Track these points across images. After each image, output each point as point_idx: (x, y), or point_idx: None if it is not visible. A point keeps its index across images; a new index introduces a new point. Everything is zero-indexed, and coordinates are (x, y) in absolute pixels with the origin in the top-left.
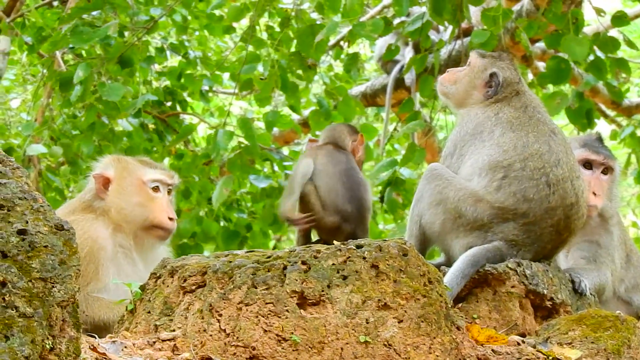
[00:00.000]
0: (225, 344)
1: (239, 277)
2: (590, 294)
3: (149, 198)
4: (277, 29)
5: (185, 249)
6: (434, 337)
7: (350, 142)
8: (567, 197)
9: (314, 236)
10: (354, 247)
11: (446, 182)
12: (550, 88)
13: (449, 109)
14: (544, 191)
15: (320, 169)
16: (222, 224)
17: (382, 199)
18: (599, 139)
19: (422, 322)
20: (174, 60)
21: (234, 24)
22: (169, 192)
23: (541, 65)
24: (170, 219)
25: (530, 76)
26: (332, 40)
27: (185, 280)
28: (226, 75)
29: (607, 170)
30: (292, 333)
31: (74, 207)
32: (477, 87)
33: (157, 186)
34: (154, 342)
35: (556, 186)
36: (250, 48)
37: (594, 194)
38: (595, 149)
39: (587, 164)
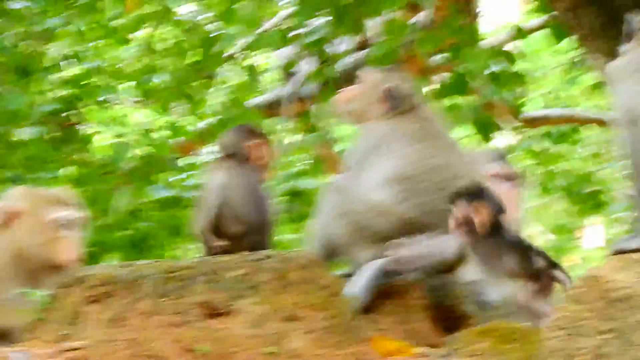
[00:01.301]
0: (132, 354)
1: (146, 287)
2: (496, 306)
3: (56, 237)
4: (173, 41)
5: (91, 258)
6: (341, 349)
7: (247, 149)
8: None
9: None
10: (261, 258)
11: (350, 194)
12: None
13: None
14: (443, 205)
15: (226, 182)
16: (123, 233)
17: (284, 210)
18: (502, 154)
19: (328, 333)
20: (71, 70)
21: (130, 35)
22: (78, 228)
23: (438, 78)
24: (77, 258)
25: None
26: (229, 52)
27: (92, 290)
28: (124, 85)
29: (516, 184)
30: (199, 343)
31: None
32: (374, 103)
33: (65, 224)
34: (62, 352)
35: None
36: (147, 60)
37: (515, 206)
38: (506, 164)
39: (501, 178)
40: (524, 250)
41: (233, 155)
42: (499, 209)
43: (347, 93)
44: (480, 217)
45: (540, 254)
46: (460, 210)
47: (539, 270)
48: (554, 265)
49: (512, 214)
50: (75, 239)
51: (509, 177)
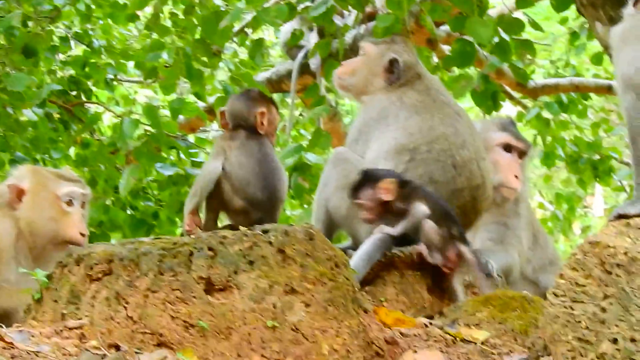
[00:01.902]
0: (132, 331)
1: (145, 264)
2: (498, 275)
3: (62, 213)
4: (181, 16)
5: (92, 239)
6: (342, 321)
7: (254, 117)
8: (473, 178)
9: (224, 220)
10: (260, 232)
11: (352, 166)
12: (456, 71)
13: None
14: (450, 173)
15: (234, 161)
16: (129, 212)
17: (288, 185)
18: (513, 122)
19: (330, 306)
20: (78, 50)
21: (138, 12)
22: (82, 204)
23: (446, 48)
24: (82, 234)
25: (435, 59)
26: (237, 27)
27: (91, 269)
28: (131, 64)
29: (523, 154)
30: (200, 319)
31: None
32: (377, 75)
33: (71, 200)
34: (61, 331)
35: (462, 168)
36: (155, 36)
37: (516, 177)
38: (516, 134)
39: (508, 148)
40: (444, 214)
41: (240, 126)
42: (395, 175)
43: (348, 65)
44: (386, 191)
45: (457, 224)
46: (366, 198)
47: (452, 236)
48: (465, 240)
49: (515, 184)
50: (79, 214)
51: (515, 148)
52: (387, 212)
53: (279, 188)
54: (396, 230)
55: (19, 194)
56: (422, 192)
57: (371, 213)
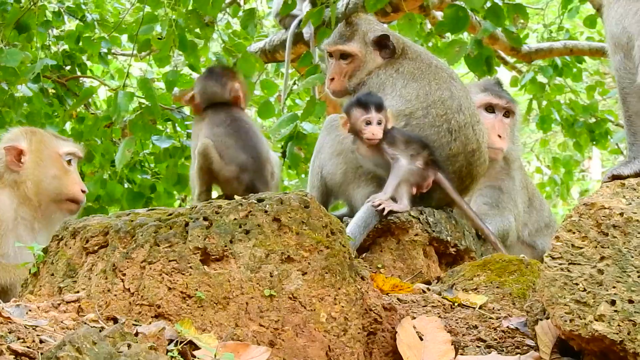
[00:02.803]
0: (130, 303)
1: (141, 235)
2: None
3: (65, 171)
4: None
5: (90, 212)
6: (339, 288)
7: (230, 92)
8: (468, 143)
9: (217, 192)
10: (255, 201)
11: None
12: (449, 36)
13: None
14: (445, 138)
15: (210, 133)
16: (126, 185)
17: (284, 154)
18: (499, 83)
19: (327, 273)
20: (71, 24)
21: None
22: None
23: (439, 14)
24: (83, 191)
25: (428, 25)
26: None
27: (87, 241)
28: (125, 37)
29: (508, 113)
30: (197, 290)
31: None
32: (373, 60)
33: (70, 159)
34: (59, 305)
35: (457, 133)
36: (148, 8)
37: (499, 136)
38: (497, 93)
39: (490, 108)
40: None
41: (214, 103)
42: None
43: (340, 74)
44: (390, 120)
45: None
46: (376, 117)
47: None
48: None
49: (499, 144)
50: (77, 173)
51: (497, 106)
52: (377, 149)
53: (260, 147)
54: (400, 204)
55: (18, 155)
56: (399, 133)
57: (377, 135)
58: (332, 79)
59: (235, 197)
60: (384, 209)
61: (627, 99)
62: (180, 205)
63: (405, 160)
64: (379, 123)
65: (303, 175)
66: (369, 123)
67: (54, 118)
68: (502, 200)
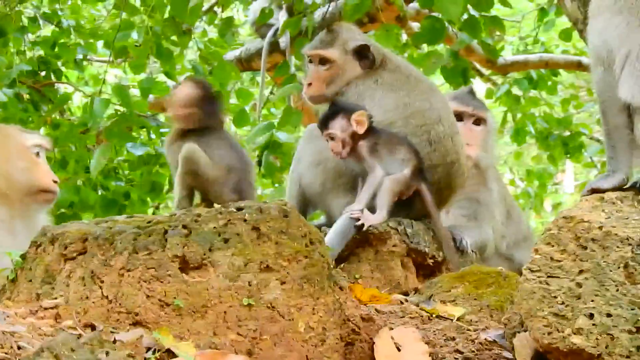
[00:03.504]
0: (108, 310)
1: (120, 243)
2: (472, 251)
3: (33, 162)
4: None
5: (64, 219)
6: (318, 298)
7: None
8: (447, 154)
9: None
10: (235, 210)
11: (326, 142)
12: (425, 48)
13: None
14: (425, 149)
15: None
16: (100, 192)
17: (259, 163)
18: (471, 92)
19: (305, 283)
20: (47, 30)
21: None
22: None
23: (415, 25)
24: (55, 181)
25: (404, 37)
26: (206, 6)
27: (66, 248)
28: (100, 43)
29: (479, 121)
30: (175, 298)
31: None
32: (352, 69)
33: (38, 151)
34: (37, 311)
35: (437, 144)
36: (124, 15)
37: (467, 144)
38: (465, 101)
39: (458, 116)
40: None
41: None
42: (366, 109)
43: (319, 80)
44: (359, 123)
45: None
46: (339, 129)
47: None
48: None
49: (468, 152)
50: (47, 165)
51: (465, 113)
52: (353, 150)
53: (243, 151)
54: (378, 215)
55: None
56: (380, 131)
57: (342, 146)
58: (310, 84)
59: (215, 205)
60: (362, 224)
61: (607, 113)
62: (154, 213)
63: (381, 172)
64: (332, 139)
65: (277, 185)
66: (327, 140)
67: (29, 124)
68: (479, 212)
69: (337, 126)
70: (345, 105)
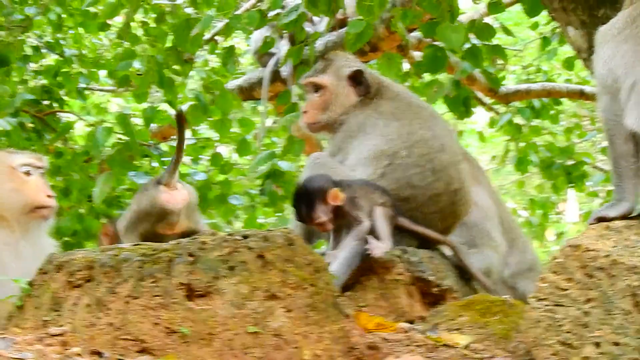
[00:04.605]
0: (114, 337)
1: (126, 270)
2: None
3: (22, 182)
4: (153, 25)
5: (68, 248)
6: (323, 326)
7: None
8: (451, 183)
9: None
10: (240, 238)
11: (329, 171)
12: (427, 77)
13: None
14: (429, 178)
15: None
16: (103, 221)
17: (262, 192)
18: None
19: (311, 311)
20: (50, 59)
21: (109, 21)
22: (42, 175)
23: (417, 54)
24: (49, 196)
25: (406, 66)
26: (207, 35)
27: (72, 275)
28: (103, 73)
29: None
30: (181, 325)
31: None
32: (347, 95)
33: (28, 170)
34: (44, 338)
35: (441, 172)
36: (126, 44)
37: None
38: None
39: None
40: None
41: None
42: (329, 181)
43: (311, 108)
44: (336, 198)
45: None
46: (323, 214)
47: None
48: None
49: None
50: (40, 181)
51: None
52: (337, 216)
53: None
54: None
55: None
56: (351, 184)
57: (330, 222)
58: (305, 112)
59: (219, 233)
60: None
61: (613, 141)
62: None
63: (367, 222)
64: (320, 224)
65: (280, 214)
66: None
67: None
68: (475, 236)
69: (320, 212)
70: (313, 188)
